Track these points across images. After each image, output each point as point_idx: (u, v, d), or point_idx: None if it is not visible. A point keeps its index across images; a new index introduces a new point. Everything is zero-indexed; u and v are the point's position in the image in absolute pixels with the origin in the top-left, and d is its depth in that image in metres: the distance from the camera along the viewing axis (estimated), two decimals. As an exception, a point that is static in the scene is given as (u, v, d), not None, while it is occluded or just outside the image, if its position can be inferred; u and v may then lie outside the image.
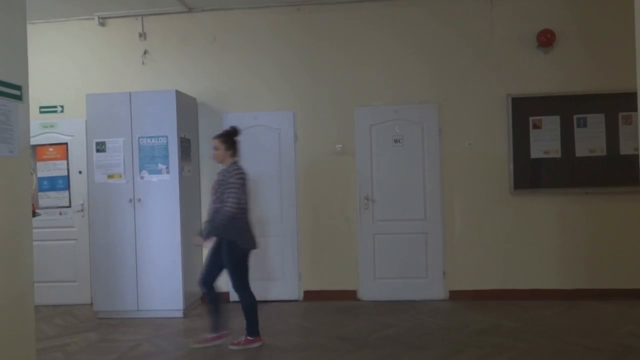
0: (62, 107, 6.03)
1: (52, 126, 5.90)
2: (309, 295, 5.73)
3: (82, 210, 5.82)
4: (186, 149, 5.44)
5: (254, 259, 5.72)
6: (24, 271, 2.77)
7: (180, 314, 5.21)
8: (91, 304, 5.58)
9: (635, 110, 2.69)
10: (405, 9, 5.66)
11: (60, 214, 5.87)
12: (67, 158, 5.88)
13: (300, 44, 5.78)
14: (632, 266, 5.38)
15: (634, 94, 2.68)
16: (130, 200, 5.20)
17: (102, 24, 5.96)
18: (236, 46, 5.84)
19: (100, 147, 5.25)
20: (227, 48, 5.85)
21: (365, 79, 5.70)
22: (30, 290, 2.82)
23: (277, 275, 5.75)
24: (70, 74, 6.00)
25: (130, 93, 5.26)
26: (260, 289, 5.70)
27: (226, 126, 5.76)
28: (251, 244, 4.24)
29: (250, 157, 5.74)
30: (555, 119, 5.49)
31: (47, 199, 5.86)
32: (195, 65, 5.87)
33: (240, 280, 4.21)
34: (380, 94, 5.69)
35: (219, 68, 5.85)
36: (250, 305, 4.23)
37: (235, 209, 4.04)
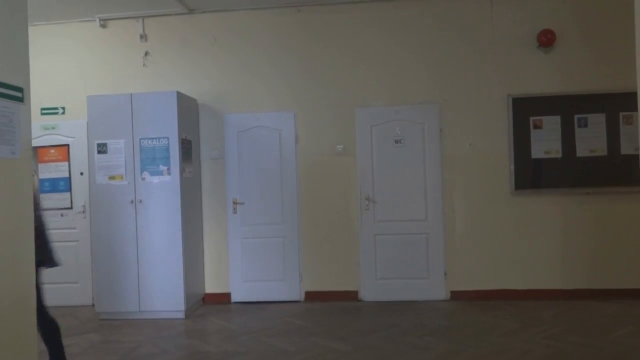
0: (63, 108, 6.04)
1: (53, 128, 5.92)
2: (310, 296, 5.74)
3: (83, 212, 5.84)
4: (187, 150, 5.45)
5: (256, 260, 5.76)
6: (25, 272, 2.78)
7: (181, 315, 5.22)
8: (93, 305, 5.59)
9: (636, 110, 2.69)
10: (406, 9, 5.66)
11: (62, 215, 5.88)
12: (68, 159, 5.90)
13: (301, 44, 5.79)
14: (633, 266, 5.37)
15: (635, 94, 2.69)
16: (132, 202, 5.21)
17: (103, 26, 5.97)
18: (237, 47, 5.85)
19: (102, 149, 5.25)
20: (227, 49, 5.86)
21: (366, 79, 5.71)
22: (32, 292, 2.82)
23: (279, 276, 5.75)
24: (72, 75, 6.01)
25: (131, 94, 5.27)
26: (261, 290, 5.75)
27: (227, 127, 5.81)
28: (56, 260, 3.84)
29: (251, 158, 5.78)
30: (556, 119, 5.49)
31: (49, 200, 5.87)
32: (196, 66, 5.88)
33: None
34: (380, 95, 5.70)
35: (220, 69, 5.86)
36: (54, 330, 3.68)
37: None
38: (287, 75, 5.79)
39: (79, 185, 5.86)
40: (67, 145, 5.90)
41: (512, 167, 5.52)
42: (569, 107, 5.47)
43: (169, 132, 5.19)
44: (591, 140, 5.45)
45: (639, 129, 2.71)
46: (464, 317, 4.95)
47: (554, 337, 4.26)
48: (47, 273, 5.60)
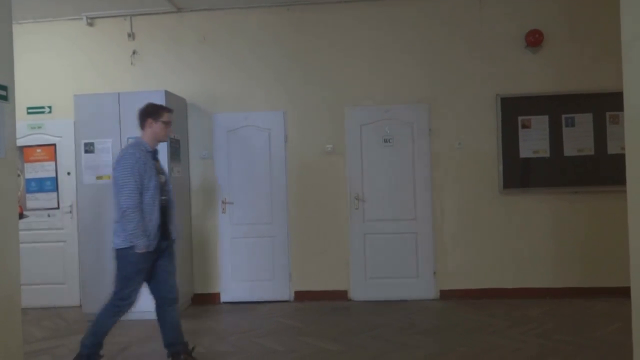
0: (50, 107, 5.98)
1: (39, 127, 5.85)
2: (300, 296, 5.73)
3: (70, 212, 5.78)
4: (176, 149, 5.41)
5: (245, 260, 5.74)
6: (10, 273, 2.74)
7: (170, 316, 5.17)
8: (80, 306, 5.54)
9: (622, 109, 2.71)
10: (395, 9, 5.67)
11: (49, 215, 5.82)
12: (55, 159, 5.83)
13: (290, 43, 5.77)
14: (620, 264, 5.41)
15: (621, 94, 2.70)
16: (120, 202, 5.16)
17: (91, 24, 5.92)
18: (226, 46, 5.82)
19: (89, 148, 5.21)
20: (216, 48, 5.83)
21: (356, 78, 5.70)
22: (17, 293, 2.80)
23: (268, 275, 5.74)
24: (58, 74, 5.95)
25: (119, 93, 5.23)
26: (251, 290, 5.73)
27: (216, 126, 5.78)
28: None
29: (240, 158, 5.75)
30: (544, 119, 5.53)
31: (35, 200, 5.81)
32: (184, 65, 5.84)
33: None
34: (370, 94, 5.70)
35: (209, 68, 5.83)
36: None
37: None
38: (276, 74, 5.77)
39: (66, 185, 5.80)
40: (54, 144, 5.84)
41: (501, 166, 5.55)
42: (556, 107, 5.51)
43: (158, 131, 5.15)
44: (579, 139, 5.49)
45: (625, 128, 2.73)
46: (453, 316, 4.96)
47: (543, 335, 4.29)
48: (34, 274, 5.55)
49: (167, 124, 3.81)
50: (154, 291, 3.82)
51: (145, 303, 5.17)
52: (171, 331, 3.81)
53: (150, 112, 3.78)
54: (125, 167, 3.53)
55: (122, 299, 3.67)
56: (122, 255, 3.60)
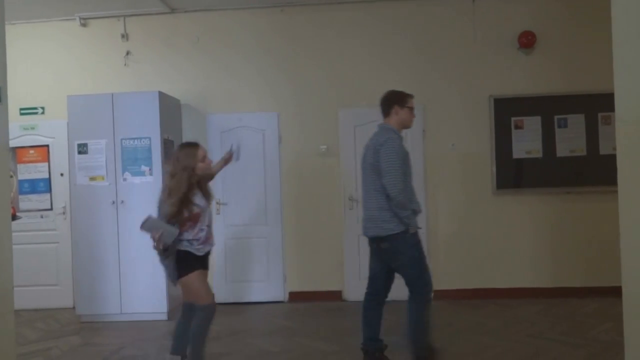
0: (43, 108, 5.95)
1: (32, 128, 5.83)
2: (294, 296, 5.73)
3: (64, 213, 5.76)
4: (169, 150, 5.39)
5: (239, 261, 5.73)
6: (3, 274, 2.73)
7: (164, 317, 5.17)
8: (73, 307, 5.52)
9: (614, 110, 2.73)
10: (388, 10, 5.69)
11: (42, 217, 5.80)
12: (48, 160, 5.81)
13: (284, 44, 5.78)
14: (612, 264, 5.43)
15: (613, 95, 2.73)
16: (113, 203, 5.15)
17: (84, 25, 5.90)
18: (219, 47, 5.82)
19: (82, 149, 5.19)
20: (210, 49, 5.82)
21: (349, 80, 5.72)
22: (10, 294, 2.78)
23: (262, 276, 5.74)
24: (51, 75, 5.92)
25: (112, 94, 5.22)
26: (245, 291, 5.72)
27: (210, 127, 5.77)
28: None
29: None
30: (537, 120, 5.56)
31: (28, 201, 5.79)
32: (178, 66, 5.83)
33: None
34: (364, 95, 5.70)
35: (202, 69, 5.83)
36: None
37: None
38: (270, 75, 5.78)
39: (59, 186, 5.78)
40: (47, 145, 5.81)
41: (494, 167, 5.58)
42: (549, 108, 5.55)
43: (151, 132, 5.15)
44: (571, 140, 5.53)
45: (616, 129, 2.75)
46: (446, 316, 4.97)
47: (535, 335, 4.31)
48: (27, 276, 5.51)
49: (412, 109, 3.74)
50: (378, 282, 3.88)
51: (140, 304, 5.18)
52: (378, 325, 3.82)
53: (396, 99, 3.68)
54: (391, 152, 3.44)
55: (426, 284, 3.60)
56: (401, 241, 3.52)
